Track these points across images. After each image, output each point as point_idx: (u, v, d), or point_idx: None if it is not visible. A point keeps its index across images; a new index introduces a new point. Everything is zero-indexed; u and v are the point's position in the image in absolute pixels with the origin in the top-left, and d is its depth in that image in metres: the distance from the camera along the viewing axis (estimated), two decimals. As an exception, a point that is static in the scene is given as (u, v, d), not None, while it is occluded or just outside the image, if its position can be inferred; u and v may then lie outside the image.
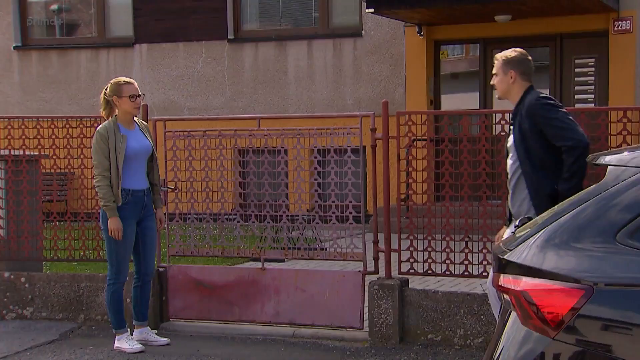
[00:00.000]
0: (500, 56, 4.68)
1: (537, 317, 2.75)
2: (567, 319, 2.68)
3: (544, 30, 11.56)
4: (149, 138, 5.97)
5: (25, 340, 6.31)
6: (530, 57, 4.71)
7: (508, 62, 4.62)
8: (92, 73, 13.93)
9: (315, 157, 6.35)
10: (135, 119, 5.96)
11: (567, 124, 4.43)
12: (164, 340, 6.07)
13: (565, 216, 2.87)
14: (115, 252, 5.82)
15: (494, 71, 4.72)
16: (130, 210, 5.80)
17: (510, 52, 4.66)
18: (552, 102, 4.55)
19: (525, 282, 2.82)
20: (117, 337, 5.94)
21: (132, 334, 6.03)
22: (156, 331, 6.21)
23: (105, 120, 5.94)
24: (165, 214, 6.30)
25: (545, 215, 3.08)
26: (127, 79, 5.91)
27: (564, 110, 4.53)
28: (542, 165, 4.52)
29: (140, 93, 5.88)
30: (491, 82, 4.79)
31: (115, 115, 5.85)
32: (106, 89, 5.89)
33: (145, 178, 5.93)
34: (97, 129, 5.83)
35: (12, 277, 6.91)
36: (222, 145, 6.57)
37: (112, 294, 5.89)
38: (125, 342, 5.89)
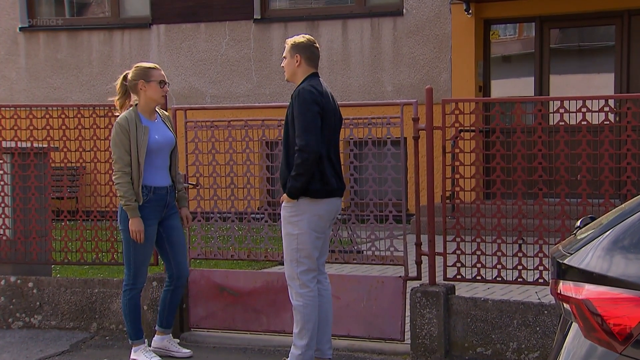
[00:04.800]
0: (289, 41, 5.47)
1: (601, 330, 2.72)
2: (637, 331, 2.66)
3: (609, 6, 11.42)
4: (171, 130, 6.03)
5: (33, 351, 6.39)
6: (317, 45, 5.48)
7: (295, 47, 5.41)
8: (105, 57, 14.06)
9: (352, 150, 6.35)
10: (157, 108, 6.02)
11: (307, 125, 5.18)
12: (186, 351, 6.12)
13: (634, 216, 2.84)
14: (134, 254, 5.87)
15: (283, 54, 5.51)
16: (152, 209, 5.85)
17: (299, 38, 5.47)
18: (309, 97, 5.21)
19: (589, 290, 2.79)
20: (133, 349, 5.99)
21: (149, 344, 6.08)
22: (178, 341, 6.25)
23: (117, 109, 6.01)
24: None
25: (610, 214, 3.05)
26: (155, 64, 6.02)
27: (315, 111, 5.20)
28: (289, 153, 5.31)
29: (167, 82, 5.99)
30: (281, 65, 5.57)
31: (136, 105, 5.90)
32: (126, 74, 5.95)
33: (168, 174, 5.98)
34: (117, 119, 5.87)
35: (18, 281, 7.00)
36: (248, 136, 6.59)
37: (129, 300, 5.94)
38: (142, 354, 5.94)
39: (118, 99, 6.00)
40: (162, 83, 5.90)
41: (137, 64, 6.07)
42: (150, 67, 5.95)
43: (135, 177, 5.76)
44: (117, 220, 6.08)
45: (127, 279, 5.95)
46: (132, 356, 5.99)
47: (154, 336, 6.19)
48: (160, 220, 5.94)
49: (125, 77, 5.96)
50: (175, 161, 6.06)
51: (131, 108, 5.89)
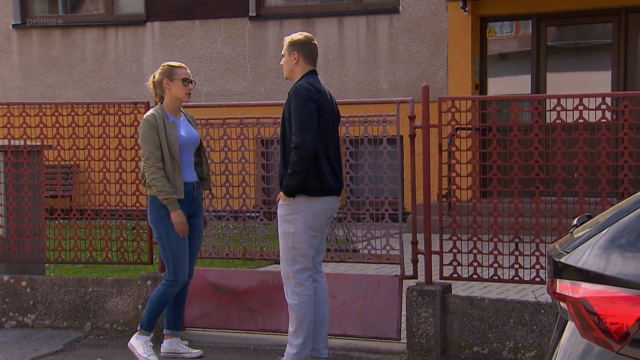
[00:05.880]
0: (287, 38, 5.51)
1: (598, 328, 2.73)
2: (634, 330, 2.66)
3: (606, 4, 11.43)
4: (195, 128, 6.07)
5: (27, 350, 6.39)
6: (315, 42, 5.50)
7: (293, 44, 5.44)
8: (99, 54, 14.04)
9: (347, 148, 6.35)
10: (181, 108, 6.06)
11: (303, 122, 5.19)
12: (196, 351, 6.10)
13: (632, 214, 2.85)
14: (171, 250, 5.83)
15: (282, 52, 5.52)
16: (182, 204, 5.83)
17: (297, 35, 5.50)
18: (306, 94, 5.23)
19: (585, 289, 2.80)
20: (136, 335, 5.96)
21: (159, 349, 6.08)
22: (187, 342, 6.22)
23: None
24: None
25: (607, 213, 3.06)
26: (181, 63, 6.07)
27: (312, 108, 5.21)
28: (286, 151, 5.32)
29: (193, 80, 6.01)
30: (280, 63, 5.61)
31: (161, 103, 5.92)
32: (155, 74, 5.98)
33: (194, 170, 6.00)
34: (144, 116, 5.88)
35: (12, 280, 6.99)
36: (243, 135, 6.60)
37: (162, 295, 5.90)
38: (141, 347, 5.90)
39: (157, 96, 6.02)
40: (186, 81, 5.93)
41: (164, 63, 6.09)
42: (174, 66, 5.99)
43: (172, 172, 5.76)
44: (147, 218, 6.00)
45: (168, 276, 5.88)
46: (132, 341, 5.96)
47: (162, 342, 6.18)
48: (187, 216, 5.93)
49: (154, 78, 5.99)
50: (204, 158, 6.10)
51: (157, 106, 5.92)
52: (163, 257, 5.92)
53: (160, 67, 6.01)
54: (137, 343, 5.95)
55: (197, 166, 6.04)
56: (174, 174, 5.79)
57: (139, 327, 6.00)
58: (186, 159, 5.93)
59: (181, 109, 6.07)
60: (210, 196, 6.65)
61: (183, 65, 6.04)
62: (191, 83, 5.97)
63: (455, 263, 6.02)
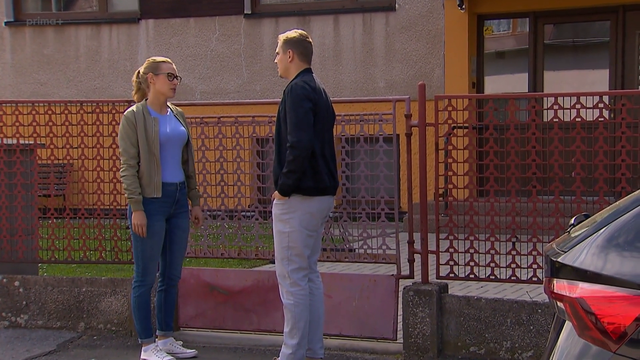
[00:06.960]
0: (282, 36, 5.51)
1: (595, 328, 2.73)
2: (631, 330, 2.66)
3: (603, 2, 11.45)
4: (183, 125, 6.02)
5: (19, 351, 6.38)
6: (310, 40, 5.49)
7: (287, 42, 5.44)
8: (93, 52, 14.03)
9: (343, 147, 6.35)
10: (170, 104, 6.03)
11: (299, 121, 5.18)
12: (191, 352, 6.10)
13: (629, 213, 2.85)
14: (141, 250, 5.84)
15: (276, 50, 5.52)
16: (160, 204, 5.82)
17: (291, 33, 5.50)
18: (301, 93, 5.23)
19: (582, 288, 2.80)
20: (143, 349, 5.96)
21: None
22: (181, 342, 6.22)
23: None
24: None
25: (605, 212, 3.06)
26: (166, 58, 6.04)
27: (308, 107, 5.20)
28: (281, 150, 5.32)
29: (179, 75, 5.98)
30: (274, 61, 5.61)
31: (146, 99, 5.91)
32: (140, 69, 5.96)
33: (180, 170, 5.97)
34: (124, 112, 5.88)
35: (4, 280, 6.98)
36: (238, 133, 6.59)
37: (137, 297, 5.91)
38: (153, 354, 5.90)
39: (134, 94, 6.02)
40: (171, 76, 5.89)
41: (149, 58, 6.08)
42: (159, 61, 5.96)
43: (149, 169, 5.74)
44: (126, 217, 6.04)
45: (136, 276, 5.93)
46: (142, 356, 5.95)
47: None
48: (168, 217, 5.92)
49: (138, 73, 5.97)
50: (191, 156, 6.06)
51: (140, 102, 5.90)
52: (134, 256, 5.93)
53: (146, 62, 5.98)
54: (147, 354, 5.94)
55: (184, 163, 6.02)
56: (152, 171, 5.76)
57: (139, 340, 6.01)
58: (170, 156, 5.88)
59: (169, 105, 6.02)
60: (204, 195, 6.64)
61: (168, 60, 6.00)
62: (176, 78, 5.92)
63: (452, 262, 6.02)
